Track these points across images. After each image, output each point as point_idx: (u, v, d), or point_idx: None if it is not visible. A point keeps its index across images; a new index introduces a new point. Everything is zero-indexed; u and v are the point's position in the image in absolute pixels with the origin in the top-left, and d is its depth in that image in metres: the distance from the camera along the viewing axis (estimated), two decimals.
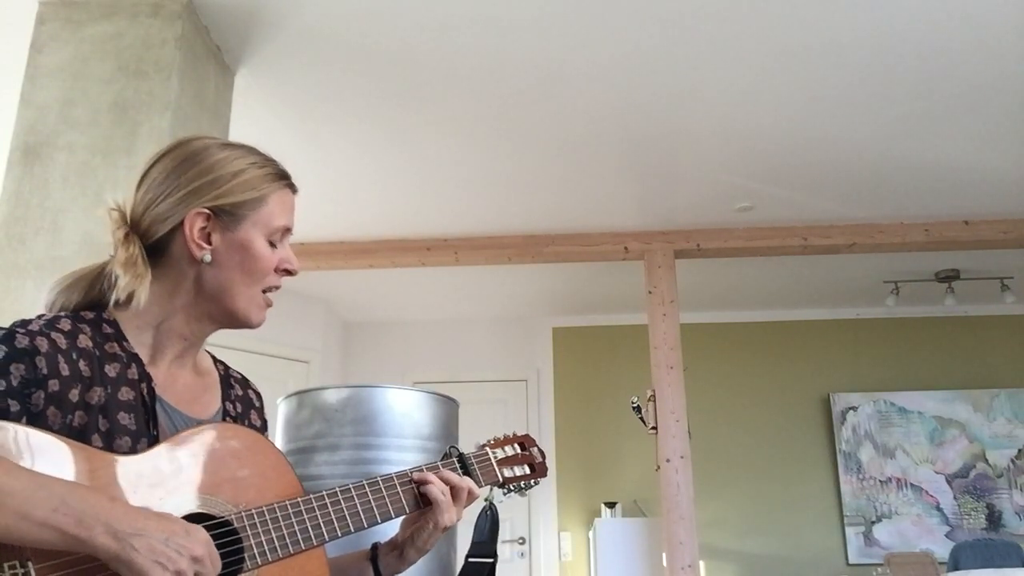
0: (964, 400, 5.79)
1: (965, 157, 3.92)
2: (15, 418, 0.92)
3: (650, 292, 4.59)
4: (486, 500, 1.38)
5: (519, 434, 1.39)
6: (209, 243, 1.09)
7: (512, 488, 1.34)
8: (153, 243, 1.10)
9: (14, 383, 0.94)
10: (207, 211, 1.09)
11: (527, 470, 1.35)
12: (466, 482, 1.21)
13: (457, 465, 1.25)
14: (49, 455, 0.90)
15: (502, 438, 1.36)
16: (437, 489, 1.17)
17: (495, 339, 6.19)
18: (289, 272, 1.15)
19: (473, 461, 1.28)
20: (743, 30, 2.98)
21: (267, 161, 1.16)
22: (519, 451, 1.36)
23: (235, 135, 3.18)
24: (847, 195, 4.30)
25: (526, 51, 3.10)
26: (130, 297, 1.06)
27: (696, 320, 5.71)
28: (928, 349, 5.98)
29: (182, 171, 1.11)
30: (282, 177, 1.17)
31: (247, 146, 1.17)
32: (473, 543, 1.40)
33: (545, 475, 1.38)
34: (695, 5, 2.84)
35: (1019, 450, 5.67)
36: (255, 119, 3.47)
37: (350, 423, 2.26)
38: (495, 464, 1.31)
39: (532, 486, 1.36)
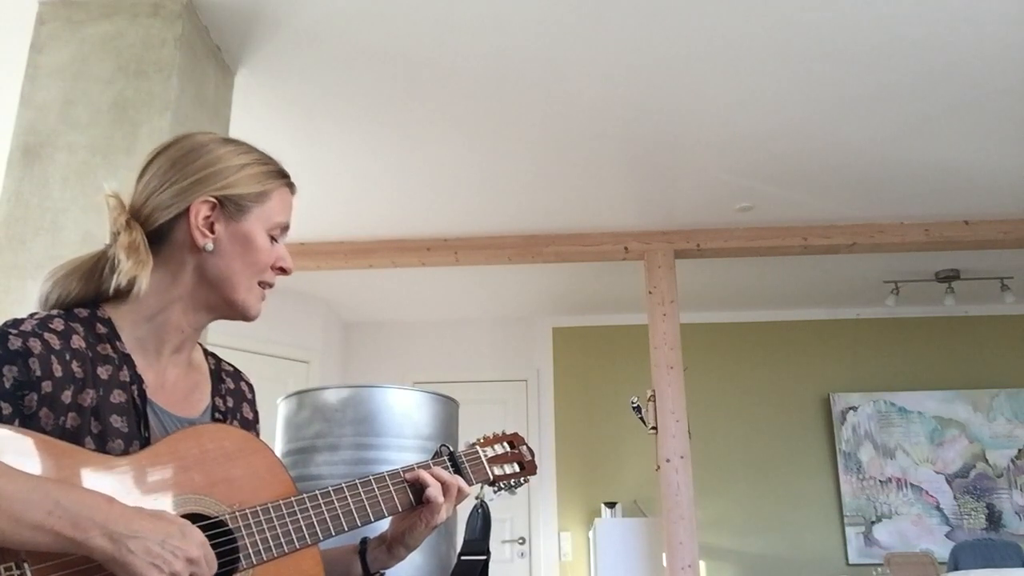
0: (964, 400, 5.78)
1: (965, 157, 3.92)
2: (7, 420, 0.92)
3: (650, 292, 4.59)
4: (477, 498, 1.38)
5: (508, 432, 1.40)
6: (212, 232, 1.10)
7: (503, 486, 1.35)
8: (153, 232, 1.10)
9: (7, 385, 0.93)
10: (213, 200, 1.10)
11: (516, 468, 1.37)
12: (456, 480, 1.22)
13: (448, 464, 1.25)
14: (43, 457, 0.90)
15: (491, 436, 1.37)
16: (434, 490, 1.18)
17: (495, 339, 6.19)
18: (283, 270, 1.17)
19: (464, 459, 1.28)
20: (744, 30, 2.98)
21: (269, 159, 1.19)
22: (508, 449, 1.37)
23: (235, 135, 3.15)
24: (847, 195, 4.30)
25: (526, 51, 3.09)
26: (131, 284, 1.05)
27: (696, 320, 5.71)
28: (928, 349, 5.98)
29: (187, 162, 1.12)
30: (283, 175, 1.19)
31: (247, 143, 1.20)
32: (465, 541, 1.41)
33: (535, 473, 1.39)
34: (695, 5, 2.84)
35: (1019, 450, 5.67)
36: (255, 119, 3.47)
37: (350, 423, 2.26)
38: (485, 462, 1.32)
39: (522, 484, 1.37)
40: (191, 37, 2.78)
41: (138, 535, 0.87)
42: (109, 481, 0.94)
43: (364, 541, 1.24)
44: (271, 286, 1.17)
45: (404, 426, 2.28)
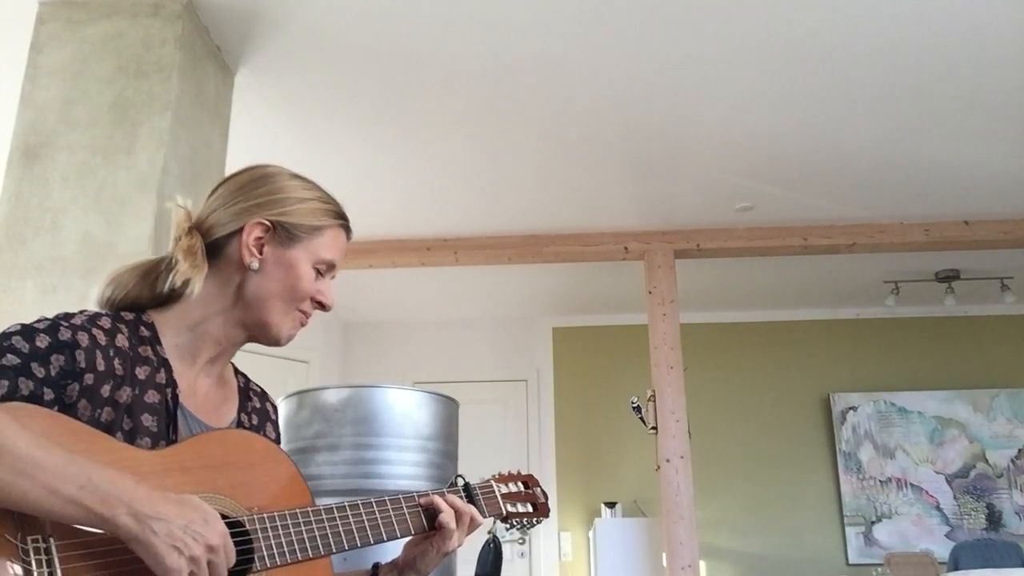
0: (964, 400, 5.78)
1: (965, 157, 3.92)
2: (47, 407, 0.97)
3: (650, 292, 4.59)
4: (489, 533, 1.40)
5: (523, 473, 1.43)
6: (260, 253, 1.16)
7: (514, 524, 1.37)
8: (210, 244, 1.16)
9: (52, 373, 0.98)
10: (267, 223, 1.16)
11: (530, 508, 1.38)
12: (469, 508, 1.24)
13: (462, 494, 1.28)
14: (76, 440, 0.94)
15: (507, 474, 1.40)
16: (447, 516, 1.21)
17: (495, 339, 6.19)
18: (322, 305, 1.22)
19: (478, 492, 1.31)
20: (743, 30, 2.98)
21: (332, 199, 1.25)
22: (523, 489, 1.40)
23: (235, 135, 3.18)
24: (847, 195, 4.30)
25: (526, 51, 3.10)
26: (184, 286, 1.12)
27: (696, 320, 5.71)
28: (928, 349, 5.98)
29: (253, 187, 1.19)
30: (342, 217, 1.25)
31: (314, 182, 1.26)
32: (477, 575, 1.42)
33: (547, 515, 1.41)
34: (696, 5, 2.84)
35: (1019, 450, 5.67)
36: (255, 119, 3.47)
37: (350, 423, 2.26)
38: (499, 497, 1.34)
39: (534, 524, 1.39)
40: (191, 37, 2.78)
41: (162, 518, 0.90)
42: (135, 470, 0.97)
43: (376, 566, 1.26)
44: (307, 317, 1.22)
45: (404, 426, 2.28)
